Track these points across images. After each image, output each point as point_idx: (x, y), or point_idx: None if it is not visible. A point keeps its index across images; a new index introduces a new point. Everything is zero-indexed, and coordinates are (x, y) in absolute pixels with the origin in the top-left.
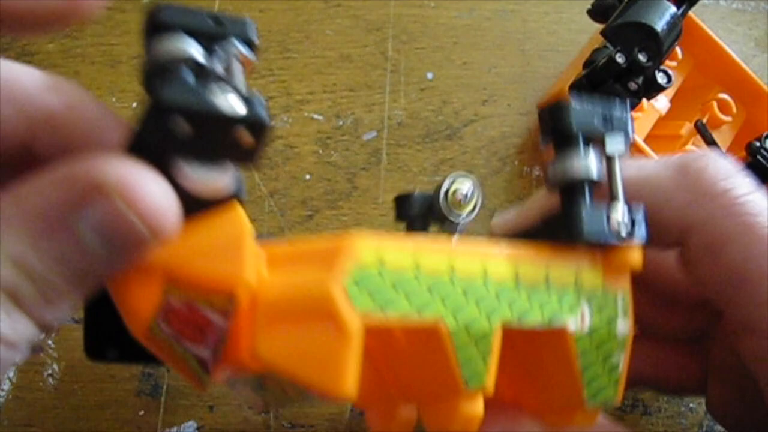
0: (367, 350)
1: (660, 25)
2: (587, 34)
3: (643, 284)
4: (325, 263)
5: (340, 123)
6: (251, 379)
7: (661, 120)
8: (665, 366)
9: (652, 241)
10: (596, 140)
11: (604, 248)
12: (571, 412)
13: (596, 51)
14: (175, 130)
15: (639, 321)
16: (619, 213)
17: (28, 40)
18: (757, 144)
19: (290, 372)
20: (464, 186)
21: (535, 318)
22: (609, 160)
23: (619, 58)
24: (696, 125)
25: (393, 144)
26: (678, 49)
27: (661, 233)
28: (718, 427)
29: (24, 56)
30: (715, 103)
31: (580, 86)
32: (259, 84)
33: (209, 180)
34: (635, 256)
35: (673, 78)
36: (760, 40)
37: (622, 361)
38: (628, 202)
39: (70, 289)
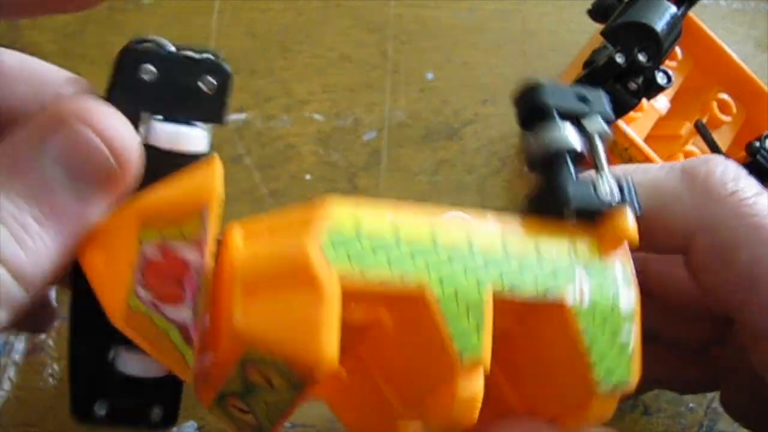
0: (362, 366)
1: (660, 25)
2: (587, 34)
3: (652, 296)
4: (300, 229)
5: (340, 123)
6: (238, 385)
7: (661, 120)
8: (679, 369)
9: (656, 248)
10: (573, 119)
11: (596, 222)
12: (586, 405)
13: (596, 51)
14: (143, 76)
15: (651, 330)
16: (605, 180)
17: (29, 40)
18: (757, 144)
19: (268, 345)
20: None
21: (528, 289)
22: (590, 139)
23: (619, 58)
24: (696, 125)
25: (393, 144)
26: (678, 49)
27: (665, 238)
28: (718, 427)
29: None
30: (715, 103)
31: None
32: (259, 84)
33: (178, 136)
34: (628, 225)
35: (673, 78)
36: (760, 40)
37: (632, 338)
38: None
39: (42, 231)
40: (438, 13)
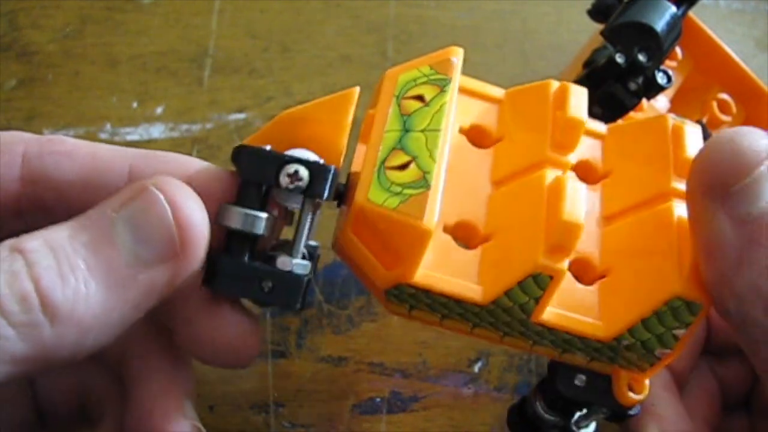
0: None
1: (660, 25)
2: (587, 34)
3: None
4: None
5: None
6: (397, 125)
7: None
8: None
9: None
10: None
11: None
12: None
13: (596, 51)
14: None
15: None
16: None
17: (29, 40)
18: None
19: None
20: None
21: None
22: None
23: (619, 58)
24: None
25: None
26: (678, 49)
27: None
28: None
29: (24, 56)
30: (715, 103)
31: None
32: (259, 84)
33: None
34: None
35: (673, 78)
36: (760, 40)
37: None
38: None
39: (90, 278)
40: (438, 13)
